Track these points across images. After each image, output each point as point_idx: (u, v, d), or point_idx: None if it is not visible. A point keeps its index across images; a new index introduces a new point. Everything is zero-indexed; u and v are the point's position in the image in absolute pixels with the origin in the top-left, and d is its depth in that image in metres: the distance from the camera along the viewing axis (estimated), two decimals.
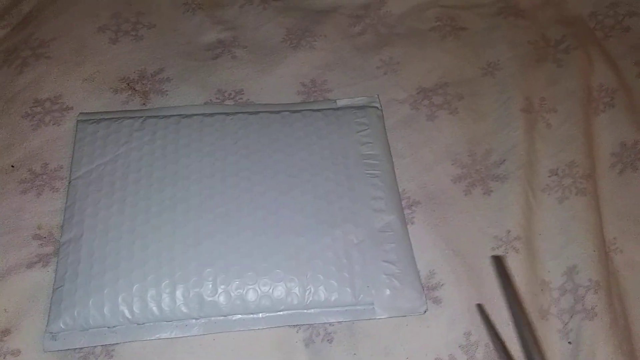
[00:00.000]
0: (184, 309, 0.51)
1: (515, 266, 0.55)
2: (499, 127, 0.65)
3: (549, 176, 0.62)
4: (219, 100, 0.66)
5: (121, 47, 0.70)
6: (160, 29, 0.73)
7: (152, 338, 0.51)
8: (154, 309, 0.51)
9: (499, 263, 0.53)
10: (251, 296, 0.52)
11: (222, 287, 0.52)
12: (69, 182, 0.58)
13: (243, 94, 0.67)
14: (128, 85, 0.67)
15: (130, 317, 0.51)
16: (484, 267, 0.56)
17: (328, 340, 0.52)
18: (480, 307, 0.53)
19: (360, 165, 0.60)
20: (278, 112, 0.64)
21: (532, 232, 0.58)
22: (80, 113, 0.63)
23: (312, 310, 0.53)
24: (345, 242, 0.55)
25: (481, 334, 0.52)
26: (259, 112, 0.64)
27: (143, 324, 0.51)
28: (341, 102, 0.66)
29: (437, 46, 0.72)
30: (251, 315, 0.53)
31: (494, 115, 0.66)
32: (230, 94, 0.67)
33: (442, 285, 0.55)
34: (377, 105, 0.66)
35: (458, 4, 0.77)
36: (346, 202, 0.57)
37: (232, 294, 0.52)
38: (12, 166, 0.60)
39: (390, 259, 0.55)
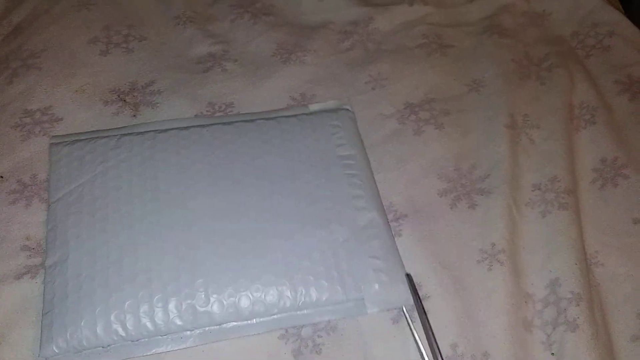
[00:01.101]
0: (178, 322, 0.52)
1: (500, 279, 0.56)
2: (484, 143, 0.66)
3: (532, 191, 0.63)
4: (209, 113, 0.67)
5: (112, 59, 0.71)
6: (151, 42, 0.73)
7: (149, 354, 0.51)
8: (148, 324, 0.51)
9: (410, 280, 0.56)
10: (244, 303, 0.53)
11: (215, 296, 0.53)
12: (49, 206, 0.57)
13: (233, 107, 0.68)
14: (119, 97, 0.68)
15: (124, 334, 0.51)
16: (470, 279, 0.57)
17: (317, 351, 0.53)
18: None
19: (337, 166, 0.62)
20: (253, 120, 0.65)
21: (516, 245, 0.59)
22: (53, 136, 0.63)
23: (305, 311, 0.54)
24: (331, 242, 0.56)
25: (467, 346, 0.53)
26: (234, 122, 0.65)
27: (137, 340, 0.51)
28: (314, 107, 0.68)
29: (423, 63, 0.74)
30: (245, 322, 0.53)
31: (479, 131, 0.68)
32: (221, 107, 0.68)
33: (428, 297, 0.56)
34: (348, 107, 0.68)
35: (444, 22, 0.79)
36: (328, 203, 0.59)
37: (224, 303, 0.53)
38: (1, 177, 0.60)
39: (376, 255, 0.56)
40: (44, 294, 0.52)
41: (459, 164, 0.65)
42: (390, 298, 0.55)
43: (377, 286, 0.55)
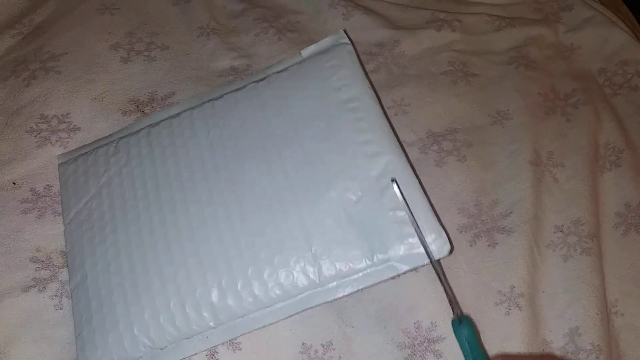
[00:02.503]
0: (199, 322, 0.50)
1: (518, 324, 0.55)
2: (507, 178, 0.65)
3: (555, 232, 0.62)
4: None
5: (133, 67, 0.70)
6: (174, 52, 0.72)
7: (179, 359, 0.51)
8: (171, 329, 0.50)
9: (396, 184, 0.51)
10: (259, 290, 0.50)
11: (229, 288, 0.51)
12: (64, 228, 0.56)
13: None
14: (137, 107, 0.66)
15: (150, 344, 0.50)
16: (486, 323, 0.55)
17: None
18: (394, 181, 0.51)
19: (341, 112, 0.55)
20: (243, 87, 0.60)
21: (535, 288, 0.58)
22: (59, 155, 0.61)
23: (329, 285, 0.51)
24: (343, 203, 0.51)
25: None
26: (223, 94, 0.61)
27: (165, 347, 0.51)
28: (306, 52, 0.62)
29: (448, 91, 0.72)
30: (267, 309, 0.51)
31: (501, 166, 0.66)
32: None
33: (443, 338, 0.54)
34: (345, 40, 0.61)
35: (471, 49, 0.78)
36: (334, 157, 0.53)
37: (240, 294, 0.51)
38: (14, 183, 0.59)
39: (398, 205, 0.50)
40: (73, 317, 0.52)
41: (480, 199, 0.63)
42: (422, 251, 0.49)
43: (403, 242, 0.49)
